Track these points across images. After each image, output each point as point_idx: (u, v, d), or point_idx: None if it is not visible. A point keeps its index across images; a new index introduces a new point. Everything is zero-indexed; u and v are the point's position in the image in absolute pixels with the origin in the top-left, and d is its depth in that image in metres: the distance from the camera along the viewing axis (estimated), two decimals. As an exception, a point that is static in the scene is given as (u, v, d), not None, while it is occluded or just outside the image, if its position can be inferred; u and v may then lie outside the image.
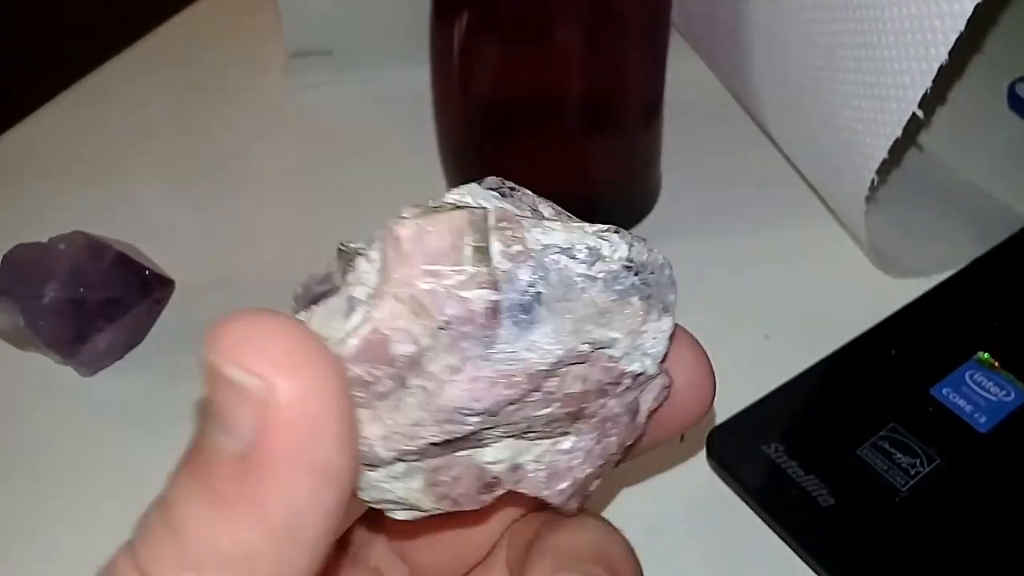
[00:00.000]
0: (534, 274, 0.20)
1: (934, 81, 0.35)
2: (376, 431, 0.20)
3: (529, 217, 0.21)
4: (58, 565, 0.40)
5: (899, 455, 0.40)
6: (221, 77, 0.64)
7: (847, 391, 0.43)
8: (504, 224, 0.20)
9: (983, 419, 0.41)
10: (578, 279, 0.21)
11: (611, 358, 0.22)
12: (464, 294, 0.20)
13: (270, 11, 0.62)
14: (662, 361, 0.23)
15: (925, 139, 0.45)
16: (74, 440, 0.45)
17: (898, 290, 0.47)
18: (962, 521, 0.38)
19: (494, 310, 0.20)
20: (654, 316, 0.22)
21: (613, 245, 0.21)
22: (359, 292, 0.20)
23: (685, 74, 0.56)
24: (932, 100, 0.38)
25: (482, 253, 0.20)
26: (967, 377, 0.43)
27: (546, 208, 0.23)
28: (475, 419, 0.20)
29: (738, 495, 0.40)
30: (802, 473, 0.40)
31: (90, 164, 0.59)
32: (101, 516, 0.40)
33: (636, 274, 0.21)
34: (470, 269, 0.20)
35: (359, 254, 0.21)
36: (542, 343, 0.20)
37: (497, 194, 0.23)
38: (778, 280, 0.49)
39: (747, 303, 0.48)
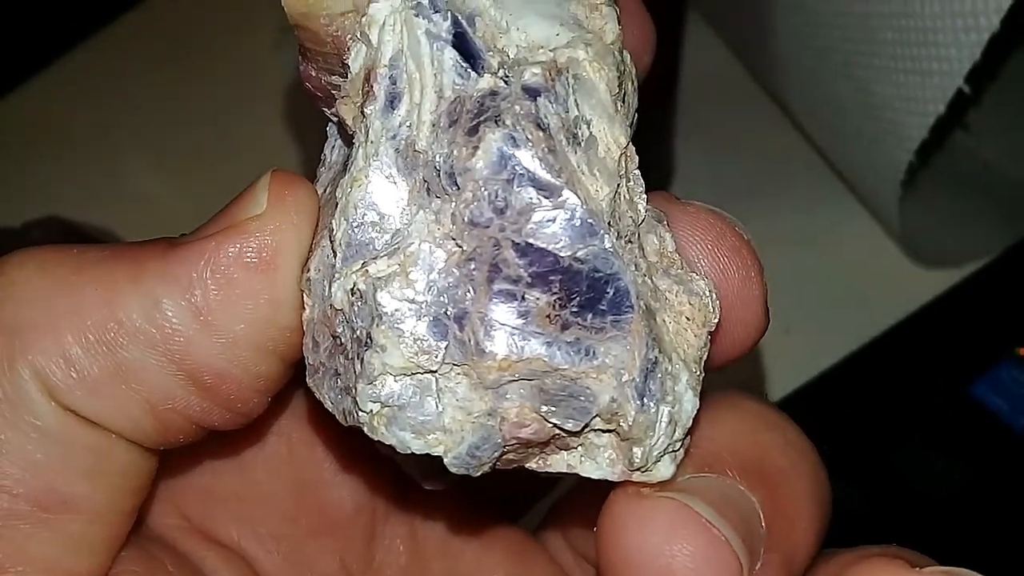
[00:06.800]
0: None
1: (985, 54, 0.32)
2: None
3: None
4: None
5: (934, 459, 0.38)
6: (211, 51, 0.62)
7: (877, 391, 0.40)
8: None
9: (1023, 419, 0.39)
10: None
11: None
12: None
13: (262, -17, 0.59)
14: None
15: (973, 118, 0.42)
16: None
17: (928, 280, 0.45)
18: (1001, 528, 0.36)
19: None
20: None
21: None
22: None
23: (700, 50, 0.53)
24: (982, 76, 0.35)
25: None
26: (1005, 375, 0.40)
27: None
28: None
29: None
30: (829, 479, 0.37)
31: (72, 141, 0.56)
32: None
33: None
34: None
35: None
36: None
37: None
38: (799, 269, 0.46)
39: (765, 293, 0.46)
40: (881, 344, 0.42)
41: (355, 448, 0.24)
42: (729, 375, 0.23)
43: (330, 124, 0.23)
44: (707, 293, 0.20)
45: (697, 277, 0.20)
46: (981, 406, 0.39)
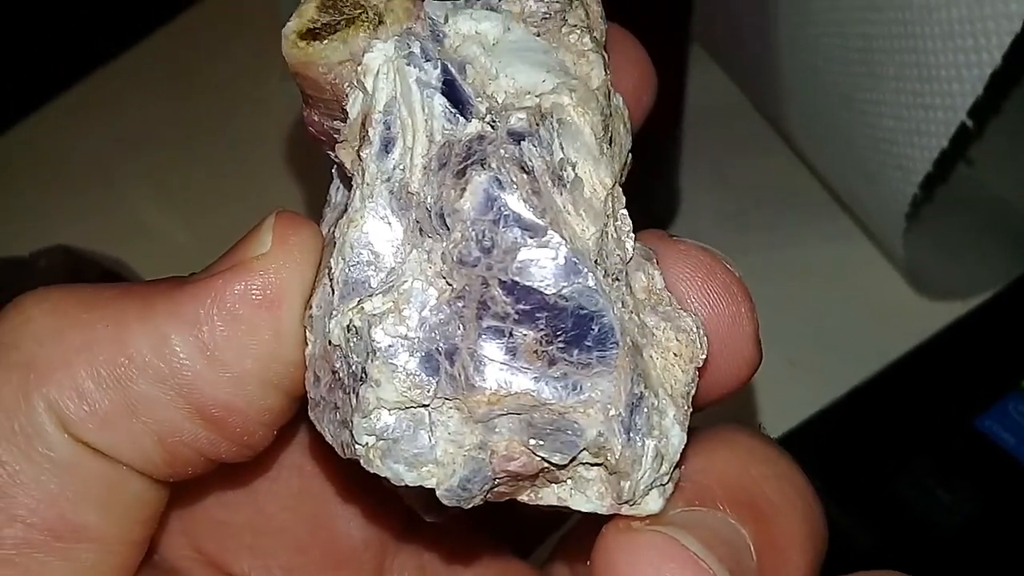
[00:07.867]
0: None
1: (986, 89, 0.33)
2: None
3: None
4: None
5: (941, 492, 0.37)
6: (218, 85, 0.62)
7: (882, 423, 0.40)
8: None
9: (1030, 453, 0.38)
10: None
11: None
12: None
13: (269, 17, 0.60)
14: None
15: (976, 152, 0.42)
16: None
17: (933, 312, 0.45)
18: (1008, 561, 0.35)
19: None
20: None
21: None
22: None
23: (705, 83, 0.53)
24: (984, 110, 0.36)
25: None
26: (1011, 408, 0.40)
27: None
28: None
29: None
30: (836, 513, 0.37)
31: (78, 172, 0.57)
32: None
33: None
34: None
35: None
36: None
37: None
38: (804, 301, 0.46)
39: (771, 326, 0.45)
40: (887, 376, 0.41)
41: (361, 482, 0.24)
42: (731, 407, 0.23)
43: (335, 166, 0.23)
44: (695, 329, 0.20)
45: (685, 314, 0.20)
46: (987, 439, 0.39)
